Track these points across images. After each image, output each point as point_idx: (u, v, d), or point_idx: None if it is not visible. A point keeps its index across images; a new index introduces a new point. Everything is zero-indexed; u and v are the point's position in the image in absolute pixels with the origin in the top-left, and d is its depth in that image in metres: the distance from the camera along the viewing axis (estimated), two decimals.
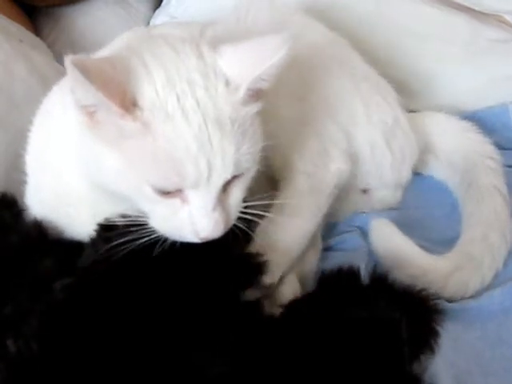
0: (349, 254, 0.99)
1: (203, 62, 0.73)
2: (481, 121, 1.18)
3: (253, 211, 0.79)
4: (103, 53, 0.82)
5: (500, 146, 1.14)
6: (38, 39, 1.29)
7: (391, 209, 1.09)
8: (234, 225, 0.77)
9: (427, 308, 0.80)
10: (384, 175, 1.06)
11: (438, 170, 1.17)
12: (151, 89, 0.70)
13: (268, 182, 0.95)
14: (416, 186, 1.13)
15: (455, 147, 1.14)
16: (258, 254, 0.82)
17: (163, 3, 1.53)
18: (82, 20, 1.45)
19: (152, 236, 0.74)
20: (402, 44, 1.27)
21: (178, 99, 0.70)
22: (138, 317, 0.72)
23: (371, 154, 1.03)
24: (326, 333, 0.75)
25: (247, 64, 0.73)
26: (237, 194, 0.76)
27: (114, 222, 0.78)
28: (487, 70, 1.30)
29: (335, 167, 0.97)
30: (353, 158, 1.00)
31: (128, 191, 0.73)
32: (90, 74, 0.65)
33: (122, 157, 0.70)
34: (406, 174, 1.09)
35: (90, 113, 0.70)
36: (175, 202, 0.72)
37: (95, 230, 0.80)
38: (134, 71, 0.70)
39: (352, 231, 1.04)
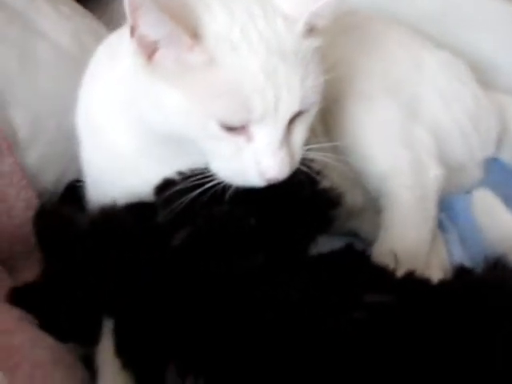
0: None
1: None
2: None
3: (315, 154, 0.77)
4: None
5: None
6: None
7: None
8: (298, 169, 0.74)
9: None
10: (474, 152, 1.04)
11: (510, 154, 1.11)
12: (213, 21, 0.68)
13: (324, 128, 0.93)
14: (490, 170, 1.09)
15: None
16: (329, 189, 0.78)
17: None
18: None
19: (214, 183, 0.71)
20: (458, 37, 1.23)
21: (242, 30, 0.68)
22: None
23: (461, 137, 1.01)
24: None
25: (303, 0, 0.71)
26: (300, 134, 0.73)
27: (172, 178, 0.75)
28: None
29: (433, 174, 0.95)
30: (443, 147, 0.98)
31: (192, 130, 0.70)
32: (159, 4, 0.63)
33: (186, 93, 0.68)
34: (491, 148, 1.08)
35: (150, 51, 0.68)
36: (240, 139, 0.70)
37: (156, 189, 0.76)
38: (194, 5, 0.69)
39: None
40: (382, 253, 0.87)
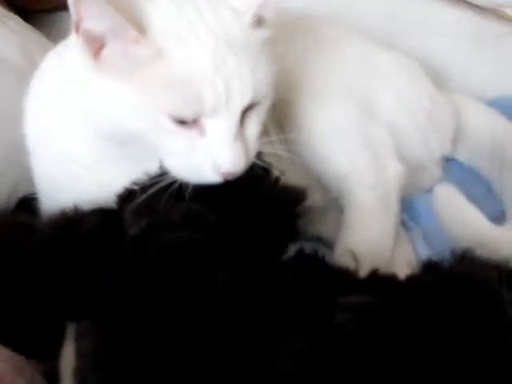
0: None
1: None
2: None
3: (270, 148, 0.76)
4: None
5: None
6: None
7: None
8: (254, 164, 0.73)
9: None
10: (432, 149, 1.04)
11: (466, 154, 1.12)
12: (159, 14, 0.68)
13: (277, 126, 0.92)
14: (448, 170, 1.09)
15: (481, 128, 1.11)
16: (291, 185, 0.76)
17: None
18: None
19: (172, 185, 0.69)
20: (407, 41, 1.25)
21: (188, 22, 0.68)
22: None
23: (418, 134, 1.01)
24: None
25: None
26: (254, 127, 0.72)
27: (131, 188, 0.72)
28: (494, 62, 1.28)
29: (393, 171, 0.95)
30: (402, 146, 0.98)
31: (144, 126, 0.68)
32: None
33: (135, 88, 0.67)
34: (449, 144, 1.08)
35: (97, 47, 0.67)
36: (193, 134, 0.69)
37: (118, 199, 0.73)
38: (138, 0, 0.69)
39: None
40: (343, 253, 0.86)
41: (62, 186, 0.79)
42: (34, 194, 0.86)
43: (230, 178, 0.69)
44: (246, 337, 0.62)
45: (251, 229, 0.69)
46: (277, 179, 0.75)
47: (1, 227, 0.70)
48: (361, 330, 0.61)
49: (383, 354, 0.60)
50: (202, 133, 0.69)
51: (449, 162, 1.11)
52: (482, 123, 1.11)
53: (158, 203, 0.68)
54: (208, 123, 0.68)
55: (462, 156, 1.13)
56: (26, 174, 0.86)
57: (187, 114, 0.67)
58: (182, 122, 0.68)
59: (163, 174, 0.70)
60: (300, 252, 0.74)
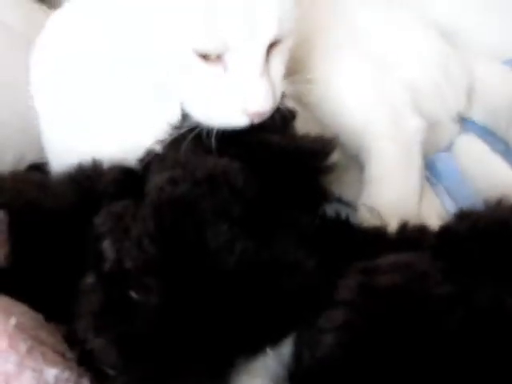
0: None
1: None
2: None
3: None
4: None
5: None
6: None
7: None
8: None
9: None
10: (448, 103, 1.01)
11: (482, 115, 1.08)
12: None
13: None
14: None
15: (497, 87, 1.08)
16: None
17: None
18: None
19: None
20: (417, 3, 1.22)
21: None
22: None
23: (433, 87, 0.99)
24: None
25: None
26: (279, 66, 0.70)
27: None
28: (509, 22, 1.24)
29: (413, 124, 0.92)
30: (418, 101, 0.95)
31: (169, 60, 0.66)
32: None
33: (162, 20, 0.64)
34: (464, 101, 1.05)
35: None
36: (219, 70, 0.66)
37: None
38: None
39: None
40: (367, 211, 0.83)
41: (75, 147, 0.76)
42: (44, 160, 0.84)
43: (257, 119, 0.66)
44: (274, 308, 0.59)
45: (276, 186, 0.65)
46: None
47: (16, 183, 0.66)
48: (406, 291, 0.58)
49: (432, 313, 0.56)
50: (227, 68, 0.66)
51: (465, 122, 1.07)
52: (497, 83, 1.09)
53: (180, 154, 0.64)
54: (234, 57, 0.65)
55: (478, 117, 1.09)
56: (33, 142, 0.86)
57: (212, 46, 0.64)
58: (206, 58, 0.65)
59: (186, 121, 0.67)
60: (323, 216, 0.71)
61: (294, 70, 0.86)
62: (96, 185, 0.64)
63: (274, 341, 0.60)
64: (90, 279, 0.58)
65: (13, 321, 0.55)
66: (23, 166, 0.87)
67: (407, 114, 0.92)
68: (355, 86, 0.91)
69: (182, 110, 0.69)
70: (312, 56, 0.90)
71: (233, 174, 0.62)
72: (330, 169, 0.69)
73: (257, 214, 0.62)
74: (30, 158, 0.88)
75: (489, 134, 1.07)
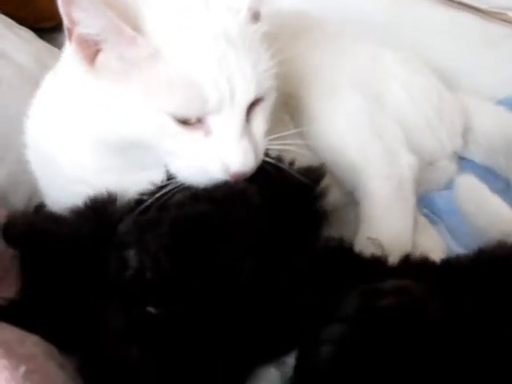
0: None
1: None
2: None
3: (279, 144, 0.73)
4: None
5: None
6: None
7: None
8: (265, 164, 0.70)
9: None
10: (443, 142, 1.03)
11: (480, 154, 1.11)
12: (154, 15, 0.67)
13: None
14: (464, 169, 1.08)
15: (493, 127, 1.10)
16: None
17: None
18: None
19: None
20: (413, 43, 1.25)
21: (185, 21, 0.67)
22: None
23: (428, 127, 1.01)
24: None
25: None
26: (261, 124, 0.71)
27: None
28: (501, 63, 1.28)
29: (405, 161, 0.94)
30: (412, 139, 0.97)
31: (147, 130, 0.66)
32: None
33: (135, 91, 0.66)
34: (459, 140, 1.07)
35: (91, 54, 0.66)
36: (199, 134, 0.67)
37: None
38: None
39: None
40: (365, 243, 0.83)
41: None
42: None
43: (239, 178, 0.67)
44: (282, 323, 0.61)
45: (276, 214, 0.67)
46: (292, 162, 0.73)
47: (28, 217, 0.68)
48: (405, 312, 0.59)
49: (428, 335, 0.58)
50: (208, 132, 0.67)
51: (464, 162, 1.10)
52: (493, 123, 1.11)
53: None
54: (213, 122, 0.66)
55: (477, 157, 1.12)
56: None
57: (191, 113, 0.66)
58: (185, 123, 0.66)
59: (170, 178, 0.68)
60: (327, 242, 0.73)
61: (293, 107, 0.90)
62: (111, 211, 0.66)
63: (286, 351, 0.62)
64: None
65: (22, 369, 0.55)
66: (34, 203, 0.89)
67: (401, 153, 0.94)
68: (350, 124, 0.92)
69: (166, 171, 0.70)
70: (309, 94, 0.92)
71: (250, 194, 0.65)
72: (323, 193, 0.72)
73: (267, 233, 0.64)
74: (36, 200, 0.88)
75: (489, 173, 1.09)
